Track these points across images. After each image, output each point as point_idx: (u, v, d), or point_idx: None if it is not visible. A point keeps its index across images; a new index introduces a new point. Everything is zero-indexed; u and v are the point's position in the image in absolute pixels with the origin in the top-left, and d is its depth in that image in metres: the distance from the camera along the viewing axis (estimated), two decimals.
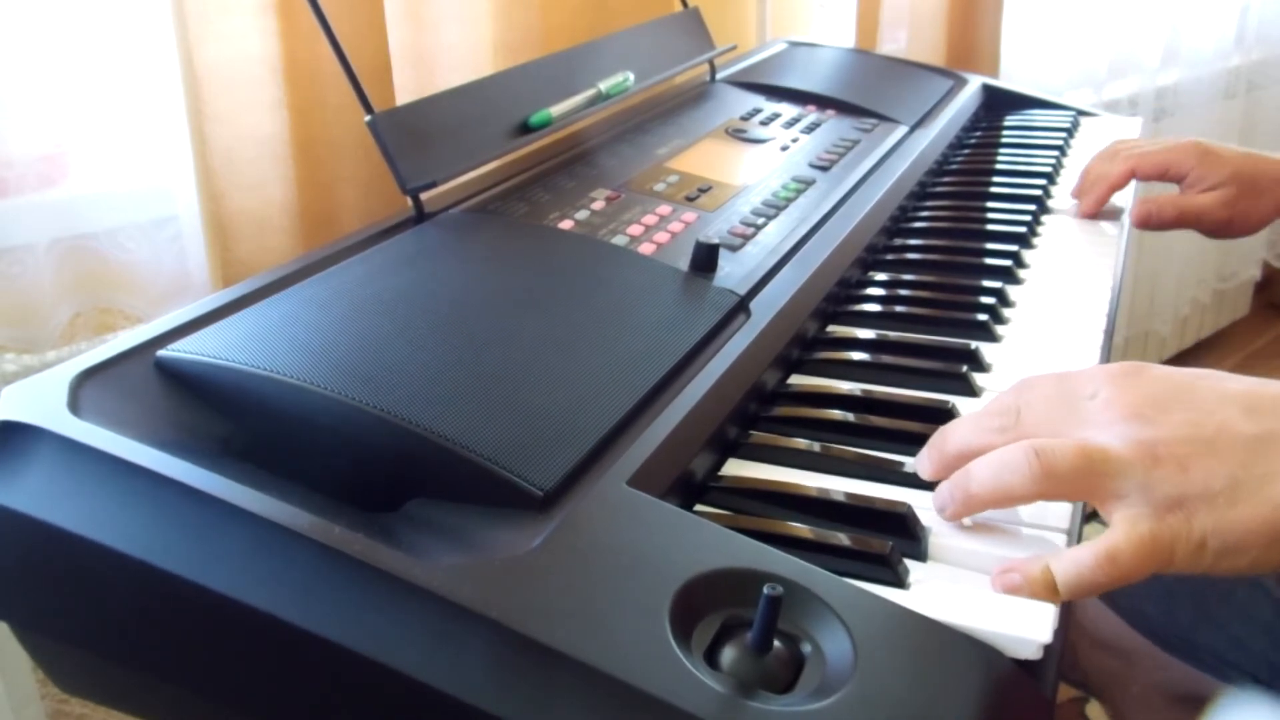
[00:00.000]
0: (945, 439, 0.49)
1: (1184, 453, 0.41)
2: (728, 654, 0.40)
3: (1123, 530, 0.42)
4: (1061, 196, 0.95)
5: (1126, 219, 0.89)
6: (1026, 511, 0.52)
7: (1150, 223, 0.85)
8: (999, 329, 0.71)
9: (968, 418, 0.50)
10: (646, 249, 0.69)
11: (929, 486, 0.54)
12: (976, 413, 0.49)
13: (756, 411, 0.61)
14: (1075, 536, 0.51)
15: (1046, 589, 0.43)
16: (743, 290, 0.65)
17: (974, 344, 0.67)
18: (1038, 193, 0.93)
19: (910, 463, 0.54)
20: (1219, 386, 0.43)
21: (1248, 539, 0.39)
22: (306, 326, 0.55)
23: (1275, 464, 0.39)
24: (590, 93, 0.86)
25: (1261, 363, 2.22)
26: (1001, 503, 0.46)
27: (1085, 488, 0.43)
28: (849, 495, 0.53)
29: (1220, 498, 0.40)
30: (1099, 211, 0.88)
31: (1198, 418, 0.42)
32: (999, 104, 1.19)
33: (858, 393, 0.63)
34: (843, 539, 0.48)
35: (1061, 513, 0.52)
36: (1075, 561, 0.42)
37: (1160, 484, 0.41)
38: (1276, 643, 0.74)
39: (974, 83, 1.18)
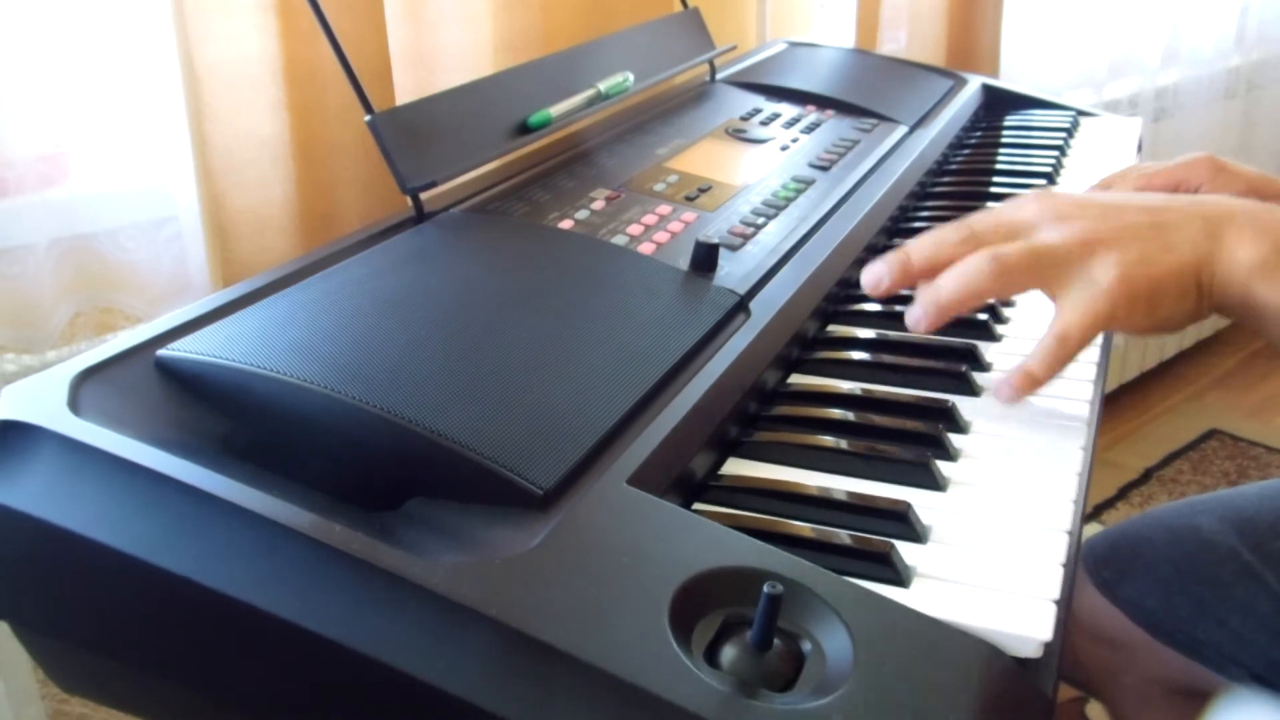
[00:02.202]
0: (909, 255, 0.58)
1: (1107, 237, 0.53)
2: (728, 652, 0.40)
3: (1068, 309, 0.54)
4: None
5: None
6: (1028, 511, 0.52)
7: None
8: (999, 328, 0.71)
9: (926, 237, 0.58)
10: (646, 249, 0.69)
11: (929, 486, 0.54)
12: (931, 234, 0.58)
13: (756, 411, 0.61)
14: (1076, 536, 0.51)
15: (1029, 380, 0.56)
16: (742, 290, 0.65)
17: (974, 343, 0.67)
18: None
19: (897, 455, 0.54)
20: (1113, 197, 0.56)
21: (1165, 288, 0.52)
22: (306, 326, 0.55)
23: (1172, 238, 0.52)
24: (590, 93, 0.86)
25: (1261, 363, 2.22)
26: (968, 301, 0.56)
27: (1036, 278, 0.55)
28: (849, 494, 0.53)
29: (1139, 264, 0.52)
30: None
31: (1109, 213, 0.54)
32: (999, 104, 1.19)
33: (858, 392, 0.63)
34: (843, 537, 0.48)
35: (1062, 513, 0.52)
36: (1040, 352, 0.55)
37: (1095, 263, 0.53)
38: (1276, 638, 0.74)
39: (974, 83, 1.18)
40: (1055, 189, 0.58)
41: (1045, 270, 0.54)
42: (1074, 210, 0.55)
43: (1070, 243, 0.54)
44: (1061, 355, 0.54)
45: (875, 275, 0.59)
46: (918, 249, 0.58)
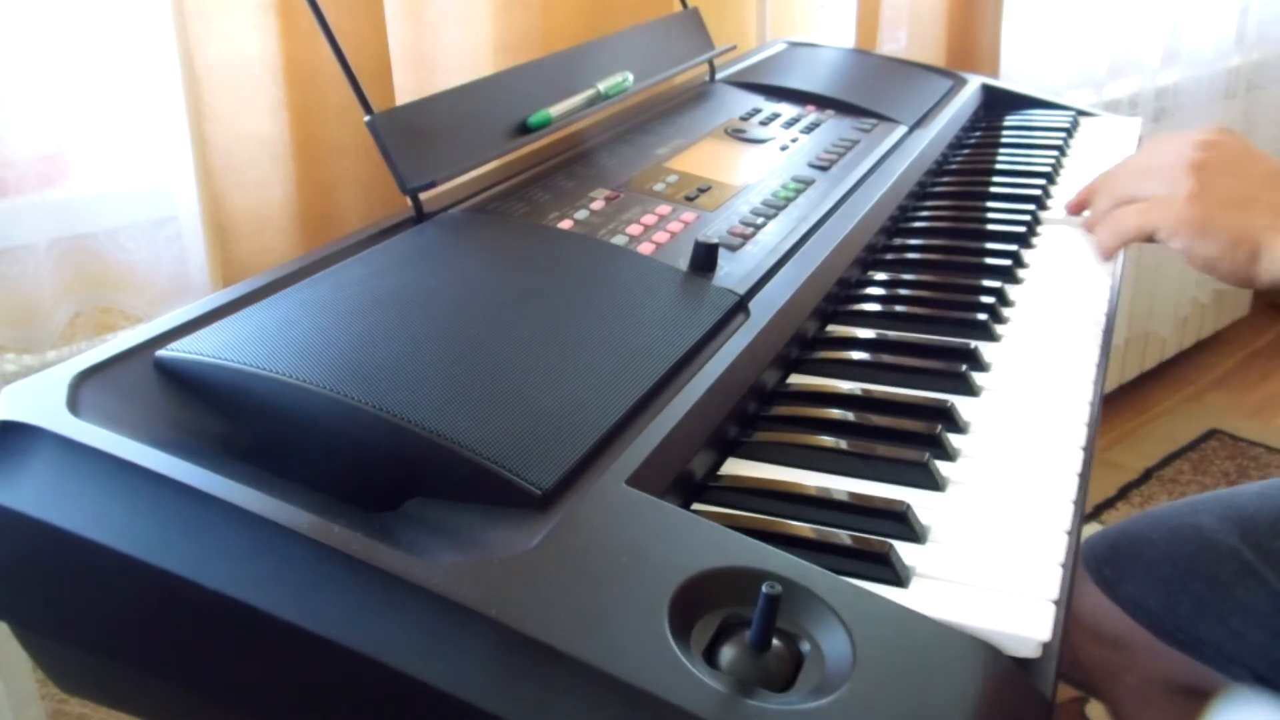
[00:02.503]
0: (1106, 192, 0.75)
1: (1220, 184, 0.65)
2: (727, 653, 0.40)
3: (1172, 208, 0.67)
4: (1061, 197, 0.95)
5: None
6: (1027, 512, 0.52)
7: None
8: (998, 328, 0.71)
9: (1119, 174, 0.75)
10: (646, 249, 0.69)
11: (929, 486, 0.54)
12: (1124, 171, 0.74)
13: (756, 411, 0.61)
14: (1075, 536, 0.51)
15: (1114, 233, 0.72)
16: (742, 290, 0.65)
17: (974, 343, 0.67)
18: (1037, 193, 0.93)
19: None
20: (1253, 161, 0.66)
21: (1221, 235, 0.62)
22: (306, 326, 0.55)
23: (1254, 208, 0.61)
24: (589, 93, 0.86)
25: (1261, 363, 2.22)
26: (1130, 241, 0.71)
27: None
28: (848, 494, 0.53)
29: (1221, 206, 0.63)
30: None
31: (1239, 180, 0.65)
32: (999, 104, 1.19)
33: (857, 392, 0.63)
34: (842, 538, 0.48)
35: (1062, 513, 0.52)
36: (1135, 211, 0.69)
37: (1192, 192, 0.65)
38: (1276, 636, 0.74)
39: (974, 83, 1.18)
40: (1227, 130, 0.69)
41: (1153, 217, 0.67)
42: (1212, 171, 0.65)
43: (1182, 194, 0.66)
44: (1122, 230, 0.69)
45: (1099, 241, 0.74)
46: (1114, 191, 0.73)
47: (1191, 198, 0.63)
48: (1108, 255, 0.73)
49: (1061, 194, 0.95)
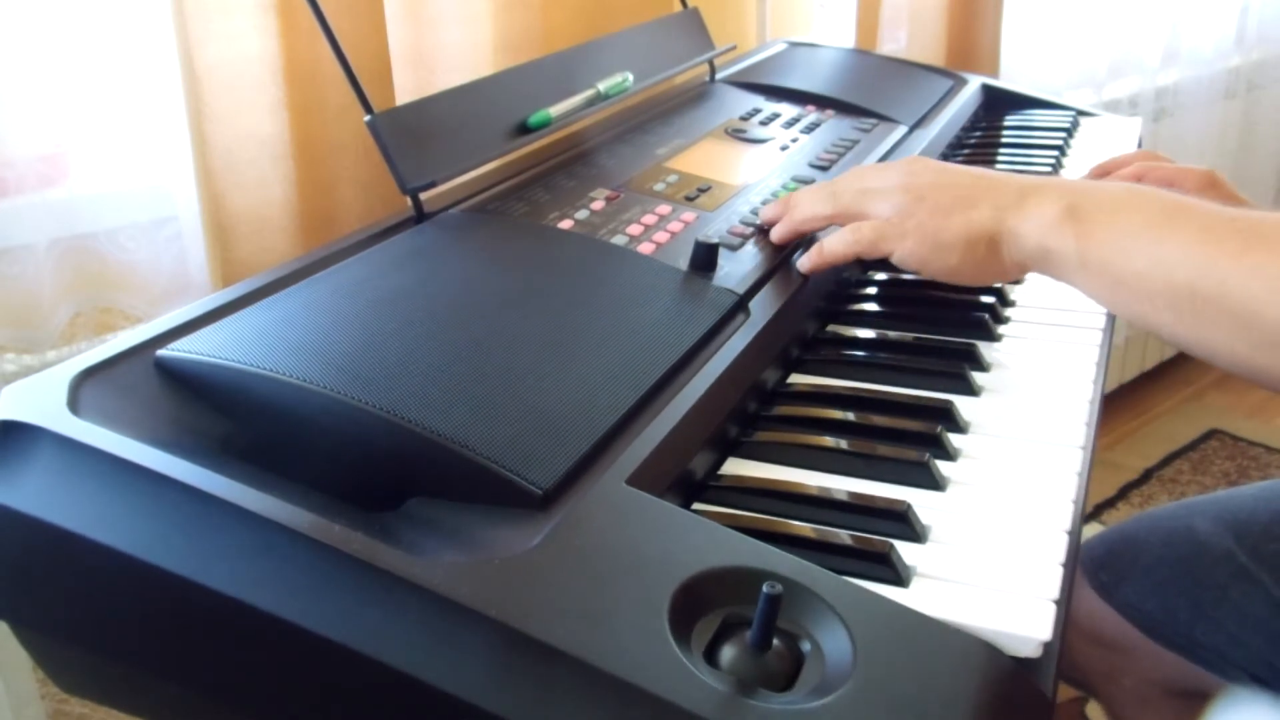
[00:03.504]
0: (795, 225, 0.71)
1: (926, 202, 0.64)
2: (727, 652, 0.40)
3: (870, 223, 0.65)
4: None
5: None
6: (1027, 511, 0.52)
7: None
8: (998, 328, 0.71)
9: (805, 207, 0.70)
10: (646, 248, 0.69)
11: (929, 486, 0.54)
12: (807, 204, 0.70)
13: (756, 410, 0.61)
14: (1076, 536, 0.51)
15: (820, 254, 0.68)
16: (742, 289, 0.65)
17: (974, 343, 0.67)
18: None
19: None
20: (954, 174, 0.65)
21: (955, 241, 0.61)
22: (306, 326, 0.55)
23: (972, 207, 0.61)
24: (589, 93, 0.86)
25: None
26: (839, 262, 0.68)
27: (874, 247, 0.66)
28: (849, 494, 0.53)
29: (939, 217, 0.62)
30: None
31: (942, 185, 0.64)
32: (999, 104, 1.19)
33: (858, 391, 0.63)
34: (843, 537, 0.48)
35: (1062, 513, 0.52)
36: (838, 238, 0.67)
37: (909, 210, 0.64)
38: (1272, 640, 0.74)
39: (974, 83, 1.18)
40: (919, 157, 0.69)
41: (882, 240, 0.65)
42: (915, 184, 0.65)
43: (899, 215, 0.65)
44: (829, 259, 0.68)
45: (774, 230, 0.72)
46: (798, 221, 0.71)
47: (915, 216, 0.63)
48: (811, 270, 0.69)
49: None
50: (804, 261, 0.69)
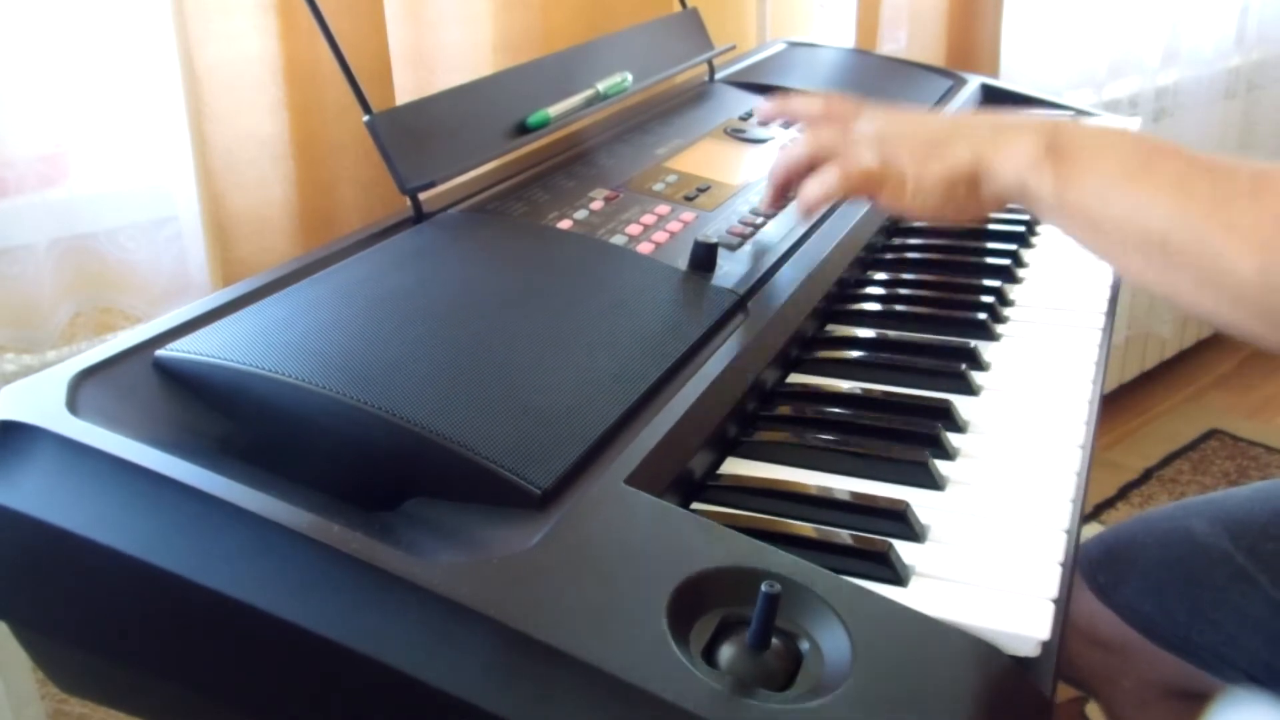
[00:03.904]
0: (784, 172, 0.70)
1: (906, 148, 0.63)
2: (726, 651, 0.40)
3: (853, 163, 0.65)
4: None
5: None
6: (1026, 511, 0.52)
7: None
8: (998, 328, 0.71)
9: (792, 152, 0.69)
10: (645, 248, 0.69)
11: (928, 486, 0.54)
12: (788, 149, 0.69)
13: (755, 410, 0.61)
14: (1075, 535, 0.51)
15: (811, 197, 0.66)
16: (741, 289, 0.65)
17: (973, 343, 0.67)
18: None
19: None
20: (928, 120, 0.67)
21: (936, 184, 0.61)
22: (305, 326, 0.55)
23: (956, 144, 0.61)
24: (589, 93, 0.86)
25: (1261, 362, 2.22)
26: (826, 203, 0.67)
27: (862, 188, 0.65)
28: (848, 493, 0.53)
29: (919, 162, 0.62)
30: None
31: (919, 131, 0.64)
32: (999, 104, 1.19)
33: (857, 391, 0.63)
34: (842, 537, 0.48)
35: (1061, 512, 0.52)
36: (820, 180, 0.65)
37: (890, 154, 0.64)
38: (1270, 641, 0.74)
39: (974, 83, 1.18)
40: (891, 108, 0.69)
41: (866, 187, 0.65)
42: (894, 132, 0.65)
43: (884, 161, 0.64)
44: (825, 190, 0.66)
45: (771, 179, 0.71)
46: (784, 169, 0.70)
47: (898, 157, 0.63)
48: (807, 206, 0.68)
49: None
50: (802, 206, 0.68)
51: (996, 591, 0.46)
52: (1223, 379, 2.17)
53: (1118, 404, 2.05)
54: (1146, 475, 1.86)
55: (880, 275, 0.79)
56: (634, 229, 0.71)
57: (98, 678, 0.54)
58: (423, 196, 0.71)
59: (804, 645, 0.41)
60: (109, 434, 0.47)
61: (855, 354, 0.67)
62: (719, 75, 1.08)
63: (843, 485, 0.54)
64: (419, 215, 0.71)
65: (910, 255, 0.82)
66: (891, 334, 0.70)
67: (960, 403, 0.61)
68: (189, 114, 0.79)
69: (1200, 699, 0.78)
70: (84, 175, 0.82)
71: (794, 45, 1.22)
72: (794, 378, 0.66)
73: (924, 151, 0.63)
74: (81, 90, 0.80)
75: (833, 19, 1.46)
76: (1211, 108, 1.97)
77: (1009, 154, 0.59)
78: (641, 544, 0.44)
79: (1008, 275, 0.79)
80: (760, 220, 0.76)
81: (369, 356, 0.52)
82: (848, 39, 1.41)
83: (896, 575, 0.47)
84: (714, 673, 0.39)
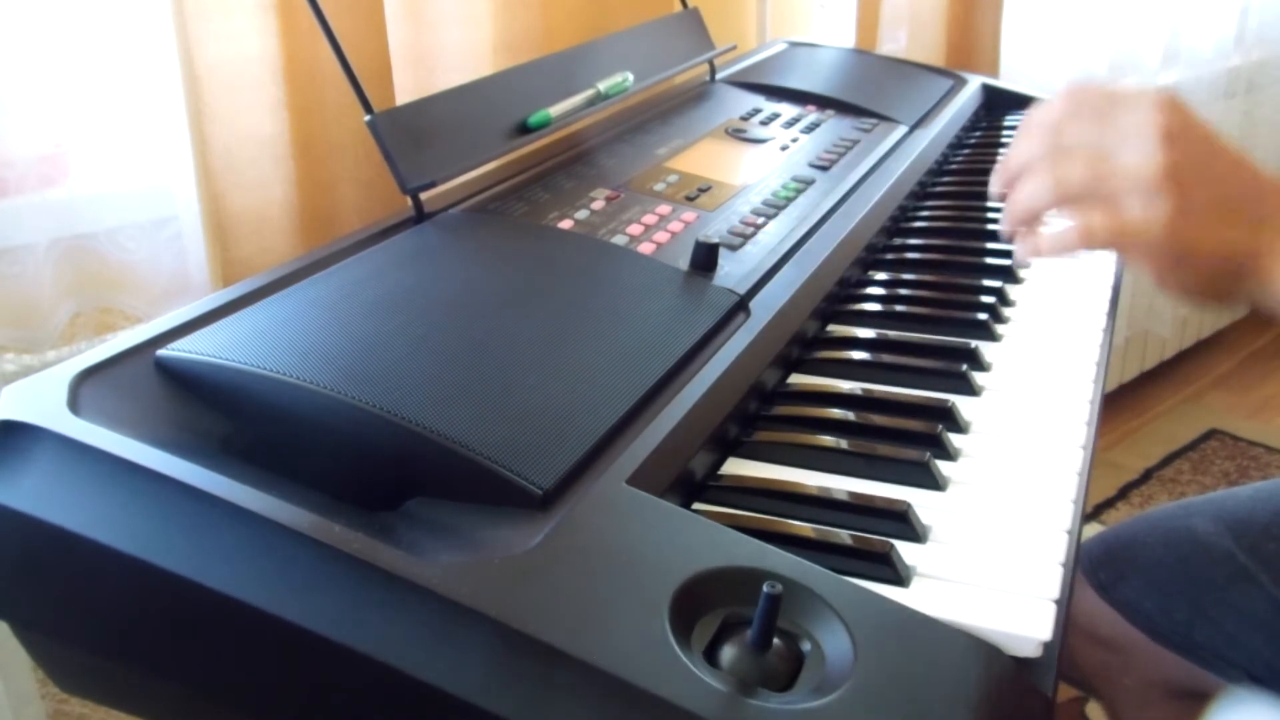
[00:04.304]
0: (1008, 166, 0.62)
1: (1182, 194, 0.52)
2: (727, 652, 0.40)
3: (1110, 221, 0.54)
4: None
5: None
6: (1027, 511, 0.52)
7: None
8: (999, 328, 0.71)
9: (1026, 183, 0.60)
10: (646, 248, 0.69)
11: (929, 486, 0.54)
12: (1027, 187, 0.60)
13: (756, 410, 0.61)
14: (1076, 535, 0.51)
15: (1042, 249, 0.58)
16: (742, 289, 0.65)
17: (974, 343, 0.67)
18: None
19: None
20: (1207, 155, 0.55)
21: (1202, 264, 0.51)
22: (306, 326, 0.55)
23: (1226, 223, 0.51)
24: (589, 93, 0.86)
25: (1261, 363, 2.22)
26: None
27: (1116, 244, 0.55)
28: (849, 494, 0.53)
29: (1192, 227, 0.52)
30: None
31: (1217, 184, 0.54)
32: (999, 104, 1.19)
33: (858, 392, 0.63)
34: (843, 537, 0.48)
35: (1062, 512, 0.52)
36: (1056, 238, 0.56)
37: (1158, 204, 0.52)
38: (1272, 640, 0.74)
39: (974, 83, 1.18)
40: (1174, 104, 0.56)
41: (1117, 244, 0.55)
42: (1180, 171, 0.53)
43: (1144, 210, 0.53)
44: (1070, 247, 0.56)
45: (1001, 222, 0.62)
46: (1020, 214, 0.61)
47: (1172, 222, 0.51)
48: (1040, 255, 0.60)
49: None
50: (1024, 251, 0.60)
51: (998, 592, 0.46)
52: (1222, 379, 2.17)
53: (1118, 404, 2.05)
54: (1146, 475, 1.86)
55: (881, 275, 0.79)
56: (635, 229, 0.71)
57: (98, 677, 0.54)
58: (423, 196, 0.71)
59: (806, 646, 0.41)
60: (110, 434, 0.47)
61: (856, 354, 0.67)
62: (720, 75, 1.08)
63: (844, 486, 0.54)
64: (420, 215, 0.71)
65: (911, 255, 0.82)
66: (893, 334, 0.70)
67: (961, 403, 0.61)
68: (189, 114, 0.79)
69: (1201, 698, 0.78)
70: (84, 175, 0.82)
71: (794, 45, 1.22)
72: (795, 378, 0.66)
73: (1202, 211, 0.51)
74: (81, 90, 0.80)
75: (833, 19, 1.46)
76: (1211, 108, 1.97)
77: None
78: (643, 544, 0.44)
79: (1008, 275, 0.79)
80: (761, 220, 0.76)
81: (370, 356, 0.52)
82: (848, 39, 1.41)
83: (898, 576, 0.47)
84: (716, 673, 0.39)
